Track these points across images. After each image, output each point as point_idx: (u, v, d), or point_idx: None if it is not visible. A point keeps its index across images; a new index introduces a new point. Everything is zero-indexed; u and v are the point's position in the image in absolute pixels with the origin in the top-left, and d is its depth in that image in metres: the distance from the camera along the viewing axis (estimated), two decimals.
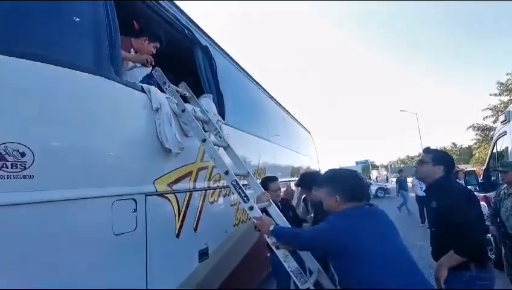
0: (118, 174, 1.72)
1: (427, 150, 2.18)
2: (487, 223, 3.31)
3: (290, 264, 1.90)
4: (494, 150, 4.49)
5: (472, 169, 5.98)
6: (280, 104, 6.24)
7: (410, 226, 3.36)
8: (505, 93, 18.03)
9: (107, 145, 1.68)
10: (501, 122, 4.20)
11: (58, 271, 1.35)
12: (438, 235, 2.00)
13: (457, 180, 4.61)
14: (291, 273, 1.90)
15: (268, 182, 3.00)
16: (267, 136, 4.81)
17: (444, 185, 1.99)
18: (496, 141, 4.45)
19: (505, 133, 4.12)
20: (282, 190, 3.29)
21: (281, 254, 1.93)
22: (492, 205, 3.41)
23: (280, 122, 6.11)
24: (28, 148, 1.23)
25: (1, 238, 1.17)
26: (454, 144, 33.80)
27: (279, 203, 2.80)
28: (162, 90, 2.26)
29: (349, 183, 1.63)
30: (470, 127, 21.38)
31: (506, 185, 3.12)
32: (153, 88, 2.08)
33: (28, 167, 1.23)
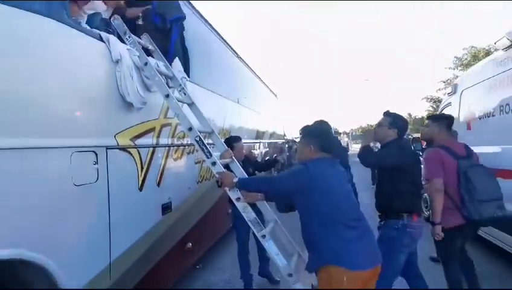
0: (75, 125, 1.67)
1: (386, 114, 2.37)
2: (423, 182, 3.76)
3: (248, 215, 2.06)
4: None
5: (418, 136, 6.53)
6: (248, 66, 6.17)
7: (362, 187, 3.71)
8: (459, 68, 19.21)
9: (61, 94, 1.61)
10: (448, 94, 4.59)
11: (18, 218, 1.35)
12: (380, 187, 2.27)
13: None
14: (249, 223, 2.07)
15: (232, 141, 3.09)
16: (233, 97, 4.80)
17: (394, 146, 2.22)
18: (442, 111, 4.89)
19: (449, 104, 4.53)
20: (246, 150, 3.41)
21: (241, 206, 2.08)
22: None
23: (247, 84, 6.08)
24: None
25: None
26: (409, 114, 36.26)
27: (241, 162, 2.91)
28: (122, 41, 2.15)
29: (322, 136, 1.88)
30: (424, 98, 22.84)
31: None
32: (113, 37, 1.97)
33: None
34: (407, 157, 2.19)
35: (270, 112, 8.26)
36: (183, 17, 2.92)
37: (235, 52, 5.27)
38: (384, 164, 2.23)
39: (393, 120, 2.27)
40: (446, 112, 4.70)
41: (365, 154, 2.30)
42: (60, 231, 1.56)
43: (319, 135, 1.90)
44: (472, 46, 17.89)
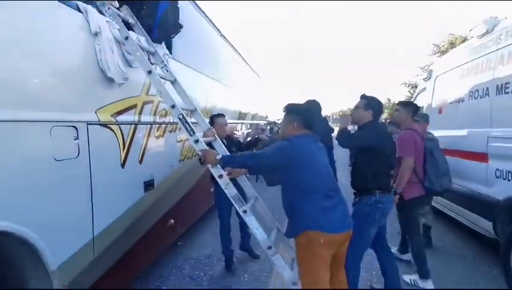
0: (54, 99, 1.64)
1: (362, 96, 2.46)
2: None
3: (230, 191, 2.13)
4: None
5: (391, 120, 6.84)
6: (233, 46, 6.06)
7: (339, 167, 3.88)
8: (437, 54, 19.74)
9: (38, 67, 1.56)
10: (423, 80, 4.78)
11: (1, 192, 1.34)
12: (355, 166, 2.40)
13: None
14: (231, 199, 2.14)
15: (214, 117, 3.12)
16: (216, 77, 4.75)
17: (369, 128, 2.33)
18: (417, 96, 5.09)
19: (424, 89, 4.73)
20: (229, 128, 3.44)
21: (223, 182, 2.14)
22: None
23: (230, 64, 6.00)
24: None
25: None
26: (388, 99, 37.20)
27: (224, 140, 2.95)
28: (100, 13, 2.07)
29: (305, 114, 1.98)
30: (402, 83, 23.40)
31: None
32: (90, 8, 1.90)
33: None
34: (381, 139, 2.31)
35: (253, 94, 8.23)
36: None
37: (220, 32, 5.16)
38: (359, 145, 2.36)
39: (368, 102, 2.37)
40: (421, 97, 4.92)
41: (342, 136, 2.43)
42: (43, 205, 1.56)
43: (302, 112, 1.98)
44: (450, 34, 18.34)
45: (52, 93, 1.63)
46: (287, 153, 1.82)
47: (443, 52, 19.24)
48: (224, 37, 5.47)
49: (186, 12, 3.80)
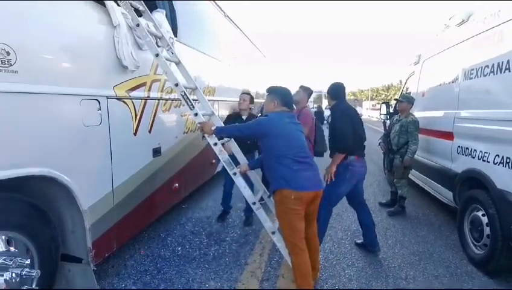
0: (83, 78, 2.07)
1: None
2: (380, 140, 4.37)
3: (223, 157, 2.58)
4: (406, 87, 5.45)
5: (387, 101, 7.15)
6: (237, 26, 6.32)
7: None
8: None
9: (73, 53, 1.98)
10: (413, 64, 5.04)
11: (46, 147, 1.81)
12: (330, 141, 2.83)
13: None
14: (223, 163, 2.59)
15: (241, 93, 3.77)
16: (219, 57, 5.09)
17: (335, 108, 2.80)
18: (407, 80, 5.37)
19: (413, 72, 5.00)
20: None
21: (217, 149, 2.59)
22: (387, 128, 4.42)
23: (235, 44, 6.29)
24: (11, 48, 1.54)
25: None
26: (400, 81, 37.24)
27: (246, 116, 3.64)
28: (114, 1, 2.44)
29: (284, 94, 2.36)
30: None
31: (399, 113, 4.06)
32: (111, 3, 2.27)
33: (13, 64, 1.56)
34: (354, 121, 2.79)
35: (258, 72, 8.53)
36: None
37: (224, 12, 5.43)
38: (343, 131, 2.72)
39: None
40: (411, 80, 5.20)
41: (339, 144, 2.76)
42: (76, 159, 2.02)
43: (281, 93, 2.37)
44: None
45: (82, 73, 2.07)
46: (263, 125, 2.24)
47: None
48: (229, 18, 5.75)
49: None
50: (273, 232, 2.53)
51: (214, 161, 4.86)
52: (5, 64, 1.52)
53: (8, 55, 1.54)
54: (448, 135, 3.36)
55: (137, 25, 2.50)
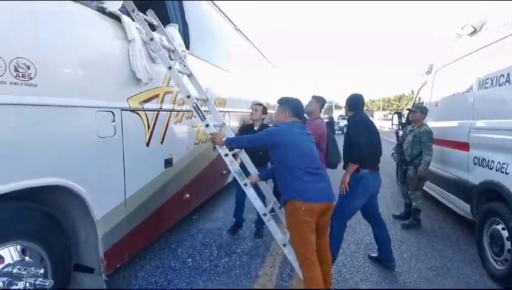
0: (98, 90, 2.13)
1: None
2: (392, 151, 4.30)
3: (233, 167, 2.58)
4: (418, 97, 5.39)
5: (399, 111, 7.09)
6: (247, 38, 6.43)
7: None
8: None
9: (89, 67, 2.05)
10: (426, 73, 4.99)
11: (62, 157, 1.85)
12: (344, 152, 2.80)
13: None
14: (234, 174, 2.59)
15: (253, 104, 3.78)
16: (230, 69, 5.17)
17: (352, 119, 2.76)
18: (419, 89, 5.31)
19: (426, 82, 4.95)
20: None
21: (228, 160, 2.59)
22: (400, 138, 4.35)
23: (246, 55, 6.38)
24: (31, 62, 1.61)
25: (12, 132, 1.59)
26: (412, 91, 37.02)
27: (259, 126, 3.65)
28: (129, 16, 2.53)
29: (295, 105, 2.35)
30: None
31: (412, 123, 4.00)
32: (127, 19, 2.35)
33: (33, 78, 1.62)
34: (371, 134, 2.75)
35: (268, 83, 8.60)
36: None
37: (234, 25, 5.54)
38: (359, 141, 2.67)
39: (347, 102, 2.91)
40: (423, 90, 5.14)
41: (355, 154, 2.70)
42: (90, 169, 2.06)
43: (292, 104, 2.37)
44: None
45: (98, 86, 2.13)
46: (273, 135, 2.23)
47: None
48: (240, 31, 5.85)
49: (202, 9, 4.22)
50: (284, 245, 2.49)
51: (224, 171, 4.87)
52: (25, 78, 1.59)
53: (29, 69, 1.60)
54: (464, 146, 3.28)
55: (151, 39, 2.58)
